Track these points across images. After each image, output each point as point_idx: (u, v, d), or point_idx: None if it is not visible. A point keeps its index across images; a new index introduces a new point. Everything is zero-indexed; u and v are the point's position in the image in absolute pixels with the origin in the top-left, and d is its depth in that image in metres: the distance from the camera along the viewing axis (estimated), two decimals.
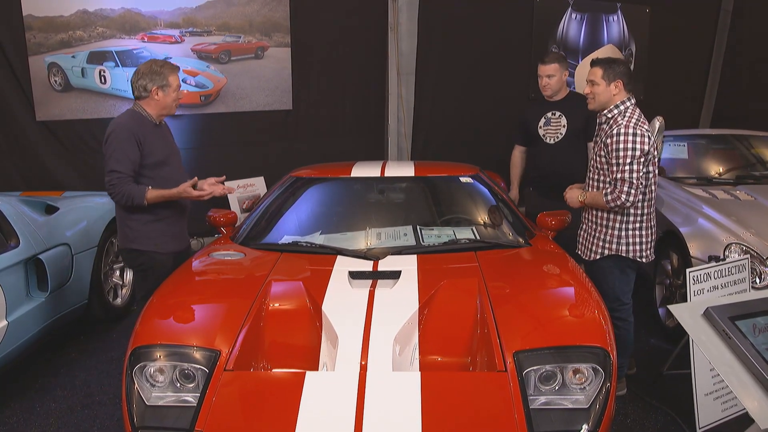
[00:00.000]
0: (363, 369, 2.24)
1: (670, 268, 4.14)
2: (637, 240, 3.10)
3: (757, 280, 3.54)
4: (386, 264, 2.93)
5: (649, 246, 3.14)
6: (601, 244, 3.15)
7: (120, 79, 5.74)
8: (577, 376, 2.20)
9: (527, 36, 6.79)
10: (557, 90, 4.12)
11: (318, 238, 3.31)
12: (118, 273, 4.55)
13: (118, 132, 3.05)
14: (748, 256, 3.31)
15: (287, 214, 3.68)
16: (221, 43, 6.04)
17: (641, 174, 2.95)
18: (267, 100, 6.23)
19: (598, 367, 2.20)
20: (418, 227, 3.34)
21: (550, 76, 4.08)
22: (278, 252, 3.14)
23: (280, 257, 3.06)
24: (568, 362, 2.21)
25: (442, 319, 2.53)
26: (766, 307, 1.92)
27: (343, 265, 2.92)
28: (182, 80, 5.84)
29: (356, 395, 2.10)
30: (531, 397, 2.13)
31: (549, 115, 4.14)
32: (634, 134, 2.93)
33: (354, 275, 2.82)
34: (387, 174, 3.82)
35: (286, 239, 3.36)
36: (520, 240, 3.35)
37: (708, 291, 3.02)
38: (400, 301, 2.59)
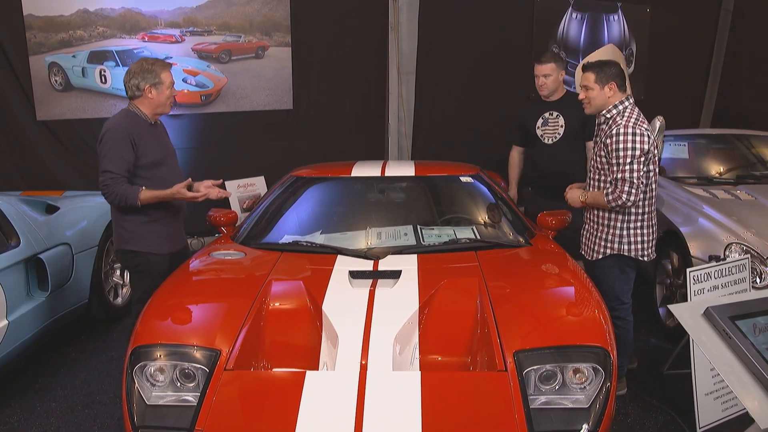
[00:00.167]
0: (363, 368, 2.24)
1: (670, 267, 4.14)
2: (639, 239, 3.10)
3: (758, 280, 3.54)
4: (386, 263, 2.93)
5: (650, 244, 3.14)
6: (603, 243, 3.15)
7: (120, 78, 5.62)
8: (578, 375, 2.20)
9: (527, 36, 6.79)
10: (554, 90, 4.11)
11: (318, 238, 3.31)
12: (118, 272, 4.54)
13: (113, 132, 3.04)
14: (749, 255, 3.31)
15: (287, 213, 3.68)
16: (222, 42, 6.04)
17: (642, 173, 2.95)
18: (267, 99, 6.23)
19: (598, 366, 2.20)
20: (418, 227, 3.34)
21: (547, 76, 4.07)
22: (278, 251, 3.13)
23: (281, 257, 3.06)
24: (568, 362, 2.21)
25: (443, 318, 2.53)
26: (766, 307, 1.93)
27: (343, 265, 2.92)
28: (183, 80, 5.89)
29: (356, 395, 2.10)
30: (531, 397, 2.13)
31: (547, 115, 4.14)
32: (634, 134, 2.93)
33: (354, 275, 2.82)
34: (387, 174, 3.82)
35: (287, 239, 3.35)
36: (521, 240, 3.35)
37: (708, 291, 3.02)
38: (401, 300, 2.59)
